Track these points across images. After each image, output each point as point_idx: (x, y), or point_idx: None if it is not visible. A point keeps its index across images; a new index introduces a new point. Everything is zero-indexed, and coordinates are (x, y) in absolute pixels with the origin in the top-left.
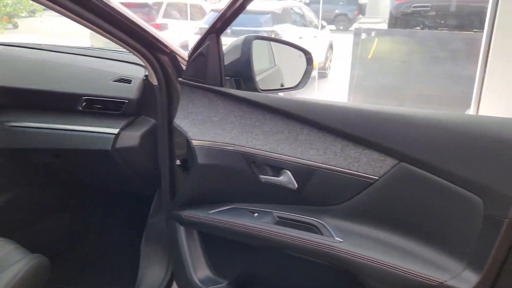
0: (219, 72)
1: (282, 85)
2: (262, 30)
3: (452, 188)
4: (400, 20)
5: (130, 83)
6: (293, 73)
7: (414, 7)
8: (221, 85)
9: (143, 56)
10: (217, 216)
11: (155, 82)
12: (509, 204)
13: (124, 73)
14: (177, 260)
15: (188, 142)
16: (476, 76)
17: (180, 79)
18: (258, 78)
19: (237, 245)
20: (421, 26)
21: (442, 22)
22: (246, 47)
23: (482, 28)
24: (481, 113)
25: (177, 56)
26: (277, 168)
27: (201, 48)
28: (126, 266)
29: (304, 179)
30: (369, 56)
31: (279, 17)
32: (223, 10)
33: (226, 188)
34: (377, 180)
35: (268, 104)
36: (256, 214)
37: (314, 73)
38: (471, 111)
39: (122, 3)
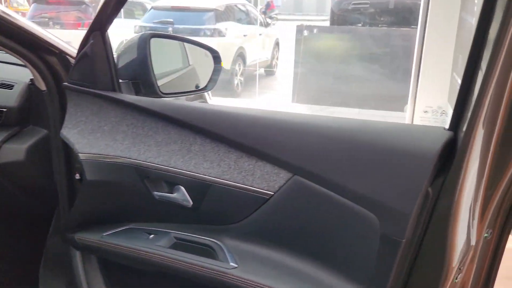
0: (110, 75)
1: (197, 87)
2: (204, 28)
3: (347, 204)
4: (341, 17)
5: (11, 89)
6: (205, 74)
7: (354, 4)
8: (113, 90)
9: (24, 57)
10: (111, 239)
11: (43, 87)
12: (404, 223)
13: (4, 76)
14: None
15: (76, 155)
16: (412, 72)
17: (65, 83)
18: (166, 80)
19: (139, 272)
20: (362, 23)
21: (382, 19)
22: (142, 46)
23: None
24: (418, 108)
25: (68, 57)
26: (171, 183)
27: (85, 48)
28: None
29: (199, 196)
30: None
31: (222, 15)
32: (103, 3)
33: (120, 206)
34: (272, 195)
35: (160, 111)
36: (152, 236)
37: (261, 71)
38: (408, 107)
39: (58, 0)
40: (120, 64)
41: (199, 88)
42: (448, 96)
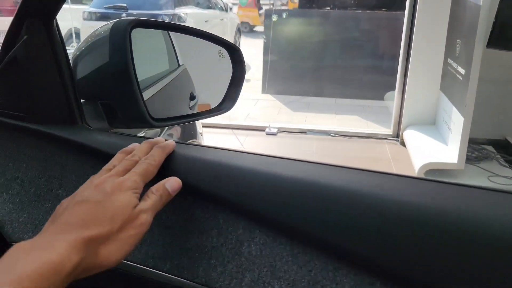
0: (65, 94)
1: (192, 97)
2: (162, 13)
3: None
4: (310, 1)
5: None
6: (212, 81)
7: None
8: (72, 121)
9: None
10: None
11: None
12: None
13: None
14: None
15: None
16: (399, 57)
17: None
18: (149, 93)
19: None
20: (331, 6)
21: (352, 2)
22: (118, 42)
23: (389, 8)
24: (407, 93)
25: None
26: None
27: (13, 50)
28: None
29: None
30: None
31: None
32: None
33: None
34: None
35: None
36: None
37: None
38: (396, 93)
39: None
40: (80, 75)
41: (211, 109)
42: (440, 84)
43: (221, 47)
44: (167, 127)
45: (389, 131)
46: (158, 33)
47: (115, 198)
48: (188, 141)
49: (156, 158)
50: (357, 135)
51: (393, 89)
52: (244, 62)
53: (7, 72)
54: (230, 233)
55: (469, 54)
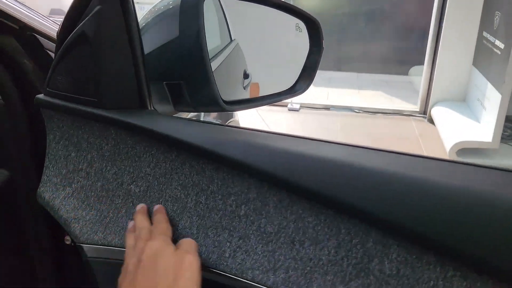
0: (136, 77)
1: (246, 75)
2: None
3: None
4: None
5: None
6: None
7: None
8: (142, 105)
9: None
10: None
11: None
12: None
13: None
14: None
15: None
16: (430, 29)
17: (39, 96)
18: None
19: None
20: None
21: None
22: (190, 13)
23: None
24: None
25: (40, 37)
26: None
27: (82, 23)
28: None
29: None
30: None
31: None
32: None
33: None
34: None
35: (230, 155)
36: None
37: None
38: (424, 68)
39: None
40: (146, 51)
41: (284, 91)
42: (473, 59)
43: (295, 19)
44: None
45: (415, 107)
46: (210, 4)
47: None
48: (228, 122)
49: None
50: (382, 111)
51: (418, 63)
52: (322, 35)
53: (74, 49)
54: (355, 245)
55: (509, 27)
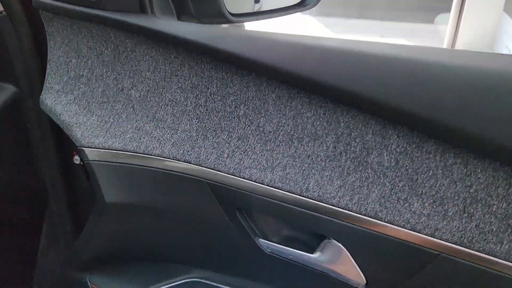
0: None
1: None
2: None
3: None
4: None
5: None
6: None
7: None
8: (143, 10)
9: None
10: None
11: None
12: None
13: None
14: None
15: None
16: None
17: (37, 0)
18: None
19: None
20: None
21: None
22: None
23: None
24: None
25: None
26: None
27: None
28: None
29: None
30: None
31: None
32: None
33: (179, 242)
34: None
35: (222, 48)
36: None
37: None
38: (451, 15)
39: None
40: None
41: (293, 5)
42: (504, 5)
43: None
44: None
45: None
46: None
47: None
48: None
49: None
50: None
51: (445, 11)
52: None
53: None
54: (354, 139)
55: None
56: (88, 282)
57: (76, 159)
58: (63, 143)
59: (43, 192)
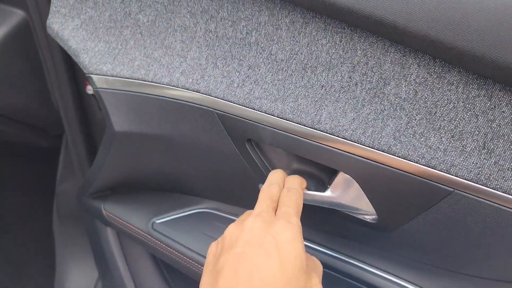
0: None
1: None
2: None
3: None
4: None
5: None
6: None
7: None
8: None
9: None
10: (170, 233)
11: None
12: None
13: None
14: (109, 278)
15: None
16: None
17: None
18: None
19: None
20: None
21: None
22: None
23: None
24: None
25: None
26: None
27: None
28: (34, 256)
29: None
30: None
31: None
32: None
33: (188, 173)
34: None
35: None
36: None
37: None
38: None
39: None
40: None
41: None
42: None
43: None
44: None
45: None
46: None
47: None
48: None
49: (299, 189)
50: None
51: None
52: None
53: None
54: (371, 69)
55: None
56: (103, 209)
57: (89, 89)
58: (76, 73)
59: (59, 121)
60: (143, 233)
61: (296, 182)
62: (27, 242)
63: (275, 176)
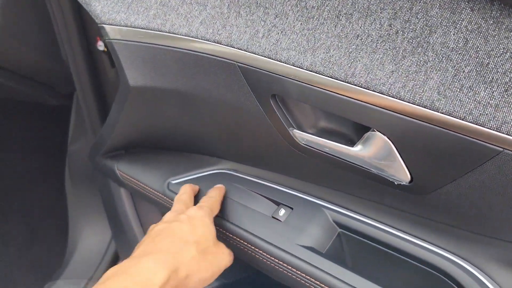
0: None
1: None
2: None
3: None
4: None
5: None
6: None
7: None
8: None
9: None
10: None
11: None
12: None
13: None
14: (122, 238)
15: (98, 28)
16: None
17: None
18: None
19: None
20: None
21: None
22: None
23: None
24: None
25: None
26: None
27: None
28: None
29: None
30: None
31: None
32: None
33: (206, 132)
34: None
35: None
36: (282, 211)
37: None
38: None
39: None
40: None
41: None
42: None
43: None
44: None
45: None
46: None
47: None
48: None
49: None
50: None
51: None
52: None
53: None
54: (415, 15)
55: None
56: (116, 169)
57: (100, 45)
58: (86, 28)
59: (69, 78)
60: (158, 193)
61: (216, 192)
62: (40, 202)
63: (185, 188)
